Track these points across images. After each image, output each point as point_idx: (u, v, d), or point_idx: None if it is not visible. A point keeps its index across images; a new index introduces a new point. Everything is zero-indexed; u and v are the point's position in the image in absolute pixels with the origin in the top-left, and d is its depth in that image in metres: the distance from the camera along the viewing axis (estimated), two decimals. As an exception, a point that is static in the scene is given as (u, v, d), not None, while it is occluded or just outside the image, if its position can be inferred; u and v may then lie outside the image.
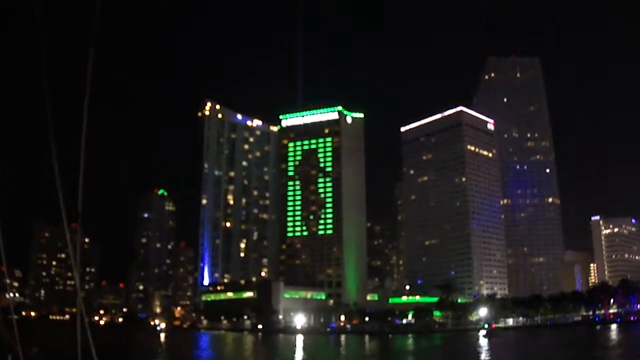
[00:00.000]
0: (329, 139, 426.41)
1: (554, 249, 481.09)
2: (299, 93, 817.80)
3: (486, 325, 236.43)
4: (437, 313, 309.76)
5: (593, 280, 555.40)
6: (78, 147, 8.63)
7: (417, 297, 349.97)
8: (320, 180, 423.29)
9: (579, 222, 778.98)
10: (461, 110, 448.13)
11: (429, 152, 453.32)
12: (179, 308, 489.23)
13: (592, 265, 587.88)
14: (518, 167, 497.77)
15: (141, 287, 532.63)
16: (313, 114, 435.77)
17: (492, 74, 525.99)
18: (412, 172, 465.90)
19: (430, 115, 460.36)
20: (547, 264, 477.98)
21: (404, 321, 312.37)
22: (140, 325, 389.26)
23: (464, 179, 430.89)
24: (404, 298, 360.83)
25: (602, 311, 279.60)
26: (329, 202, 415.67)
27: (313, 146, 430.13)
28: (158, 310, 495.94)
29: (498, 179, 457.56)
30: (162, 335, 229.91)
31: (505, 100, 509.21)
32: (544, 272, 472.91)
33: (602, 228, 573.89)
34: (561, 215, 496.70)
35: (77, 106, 9.19)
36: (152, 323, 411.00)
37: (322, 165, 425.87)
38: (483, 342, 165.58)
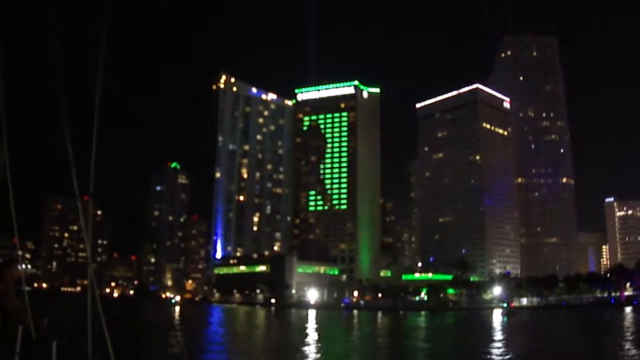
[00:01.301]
0: (344, 114, 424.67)
1: (567, 229, 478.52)
2: (314, 67, 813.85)
3: (505, 304, 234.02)
4: (450, 291, 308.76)
5: (605, 263, 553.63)
6: (91, 120, 8.63)
7: (430, 275, 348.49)
8: (336, 154, 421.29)
9: (593, 204, 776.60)
10: (477, 88, 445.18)
11: (444, 129, 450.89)
12: (190, 281, 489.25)
13: (604, 247, 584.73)
14: (533, 146, 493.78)
15: (153, 260, 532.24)
16: (329, 88, 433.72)
17: (509, 52, 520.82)
18: (426, 148, 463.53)
19: (446, 92, 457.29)
20: (560, 244, 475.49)
21: (417, 298, 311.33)
22: (151, 297, 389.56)
23: (478, 157, 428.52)
24: (417, 275, 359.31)
25: (618, 293, 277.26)
26: (343, 177, 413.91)
27: (329, 120, 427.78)
28: (169, 283, 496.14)
29: (513, 158, 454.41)
30: (177, 309, 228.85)
31: (521, 78, 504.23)
32: (556, 252, 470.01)
33: (616, 210, 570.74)
34: (575, 196, 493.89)
35: (89, 78, 8.53)
36: (163, 296, 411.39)
37: (337, 139, 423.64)
38: (501, 320, 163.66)
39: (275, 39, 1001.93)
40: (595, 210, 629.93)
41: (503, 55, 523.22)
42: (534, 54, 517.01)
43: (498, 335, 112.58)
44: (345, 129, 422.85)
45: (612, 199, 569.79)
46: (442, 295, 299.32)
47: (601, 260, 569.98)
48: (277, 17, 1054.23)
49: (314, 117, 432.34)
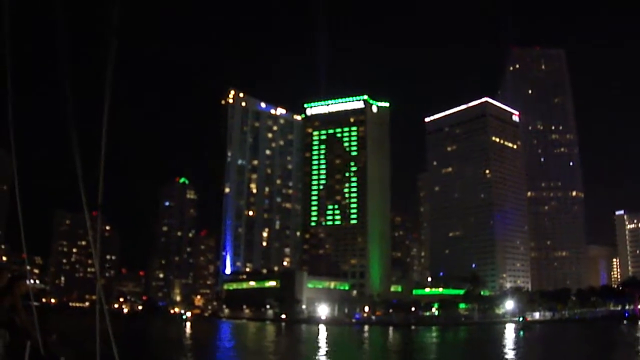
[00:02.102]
0: (354, 128, 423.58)
1: (577, 243, 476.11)
2: (323, 82, 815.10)
3: (520, 319, 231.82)
4: (462, 305, 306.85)
5: (616, 276, 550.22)
6: (99, 136, 8.78)
7: (441, 289, 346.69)
8: (345, 169, 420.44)
9: (603, 217, 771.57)
10: (486, 101, 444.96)
11: (453, 143, 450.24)
12: (199, 297, 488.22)
13: (614, 260, 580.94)
14: (542, 159, 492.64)
15: (161, 275, 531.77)
16: (338, 103, 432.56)
17: (517, 65, 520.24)
18: (435, 163, 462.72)
19: (455, 106, 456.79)
20: (570, 258, 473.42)
21: (427, 313, 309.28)
22: (160, 313, 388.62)
23: (488, 171, 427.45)
24: (427, 290, 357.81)
25: (631, 306, 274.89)
26: (353, 192, 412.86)
27: (338, 135, 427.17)
28: (178, 298, 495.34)
29: (522, 171, 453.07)
30: (188, 325, 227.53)
31: (529, 92, 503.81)
32: (566, 266, 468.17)
33: (627, 223, 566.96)
34: (585, 209, 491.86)
35: (98, 94, 8.81)
36: (172, 311, 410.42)
37: (347, 154, 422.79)
38: (516, 335, 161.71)
39: (284, 54, 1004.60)
40: (605, 223, 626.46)
41: (511, 68, 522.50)
42: (542, 67, 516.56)
43: (517, 351, 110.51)
44: (355, 143, 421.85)
45: (622, 212, 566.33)
46: (452, 310, 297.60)
47: (612, 273, 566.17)
48: (285, 32, 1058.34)
49: (323, 132, 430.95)
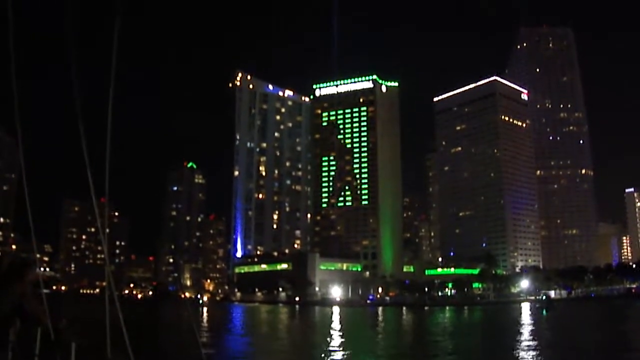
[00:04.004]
0: (363, 108, 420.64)
1: (587, 221, 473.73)
2: (331, 63, 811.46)
3: (543, 297, 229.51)
4: (476, 285, 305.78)
5: (626, 253, 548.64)
6: (107, 122, 9.01)
7: (453, 269, 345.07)
8: (356, 150, 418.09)
9: (613, 194, 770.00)
10: (495, 80, 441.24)
11: (462, 122, 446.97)
12: (209, 281, 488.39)
13: (624, 238, 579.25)
14: (551, 138, 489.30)
15: (171, 260, 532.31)
16: (347, 83, 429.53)
17: (525, 44, 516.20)
18: (444, 142, 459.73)
19: (464, 85, 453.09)
20: (580, 236, 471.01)
21: (440, 293, 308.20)
22: (171, 298, 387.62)
23: (497, 150, 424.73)
24: (439, 270, 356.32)
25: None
26: (364, 173, 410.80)
27: (347, 115, 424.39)
28: (188, 283, 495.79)
29: (532, 150, 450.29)
30: (205, 309, 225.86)
31: (537, 70, 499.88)
32: (576, 244, 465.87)
33: (637, 200, 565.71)
34: (595, 187, 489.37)
35: (105, 79, 9.00)
36: (182, 296, 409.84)
37: (356, 135, 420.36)
38: (539, 314, 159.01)
39: (292, 36, 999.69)
40: (616, 201, 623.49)
41: (519, 47, 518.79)
42: (551, 45, 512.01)
43: (555, 333, 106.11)
44: (364, 123, 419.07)
45: (632, 190, 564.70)
46: (467, 289, 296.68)
47: (622, 251, 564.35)
48: (293, 13, 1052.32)
49: (332, 113, 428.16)
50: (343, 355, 63.47)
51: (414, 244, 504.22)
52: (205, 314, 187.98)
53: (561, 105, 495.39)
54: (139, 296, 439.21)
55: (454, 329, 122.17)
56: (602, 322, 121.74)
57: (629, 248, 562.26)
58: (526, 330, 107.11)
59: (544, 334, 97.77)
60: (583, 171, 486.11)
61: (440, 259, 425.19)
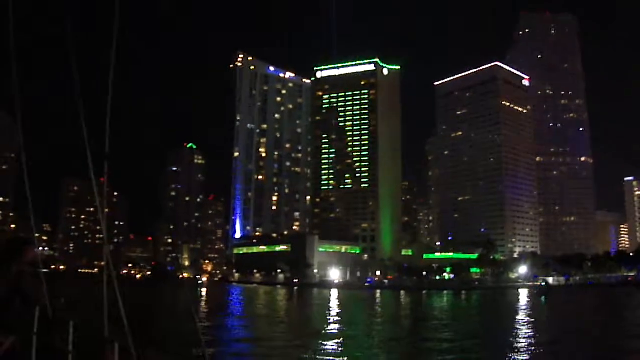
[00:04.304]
0: (364, 91, 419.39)
1: (585, 208, 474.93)
2: (333, 45, 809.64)
3: (543, 283, 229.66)
4: (474, 270, 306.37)
5: (624, 242, 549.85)
6: (106, 101, 9.08)
7: (451, 253, 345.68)
8: (356, 133, 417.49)
9: (612, 183, 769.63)
10: (496, 65, 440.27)
11: (463, 107, 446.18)
12: (207, 261, 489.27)
13: (622, 226, 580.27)
14: (551, 124, 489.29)
15: (170, 241, 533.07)
16: (348, 66, 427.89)
17: (527, 30, 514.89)
18: (445, 126, 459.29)
19: (465, 70, 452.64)
20: (579, 223, 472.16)
21: (438, 277, 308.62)
22: (169, 278, 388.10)
23: (498, 135, 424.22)
24: (438, 254, 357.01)
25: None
26: (365, 156, 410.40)
27: (348, 98, 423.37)
28: (187, 263, 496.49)
29: (532, 136, 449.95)
30: (204, 290, 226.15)
31: (539, 56, 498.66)
32: (575, 231, 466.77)
33: (635, 189, 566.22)
34: (594, 175, 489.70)
35: (105, 58, 9.09)
36: (181, 276, 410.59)
37: (357, 117, 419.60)
38: (537, 301, 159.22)
39: (293, 18, 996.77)
40: (615, 189, 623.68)
41: (521, 32, 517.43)
42: (552, 32, 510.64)
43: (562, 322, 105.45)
44: (365, 106, 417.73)
45: (631, 178, 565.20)
46: (465, 274, 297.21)
47: (619, 239, 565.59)
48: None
49: (333, 95, 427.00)
50: (340, 340, 63.48)
51: (413, 227, 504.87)
52: (204, 295, 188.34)
53: (562, 92, 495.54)
54: (138, 276, 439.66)
55: (453, 313, 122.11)
56: (603, 309, 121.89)
57: (627, 236, 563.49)
58: (527, 314, 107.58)
59: (546, 319, 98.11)
60: (582, 159, 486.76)
61: (438, 243, 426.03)
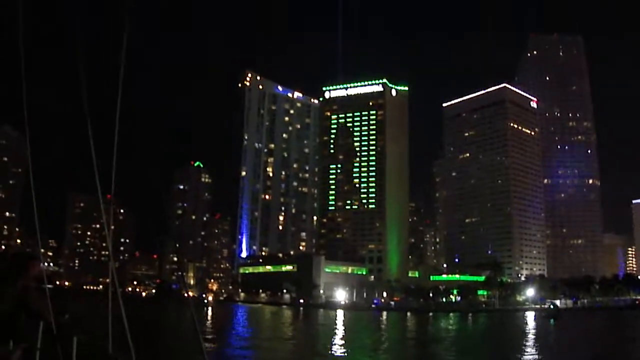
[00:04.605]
0: (372, 112, 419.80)
1: (593, 231, 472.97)
2: (341, 66, 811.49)
3: (551, 306, 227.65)
4: (481, 292, 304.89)
5: (631, 264, 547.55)
6: (114, 118, 9.04)
7: (458, 275, 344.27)
8: (364, 153, 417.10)
9: (620, 205, 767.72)
10: (505, 87, 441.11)
11: (471, 129, 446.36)
12: (212, 280, 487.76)
13: (629, 249, 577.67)
14: (559, 146, 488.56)
15: (175, 259, 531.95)
16: (357, 86, 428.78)
17: (535, 52, 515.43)
18: (453, 148, 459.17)
19: (473, 92, 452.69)
20: (586, 246, 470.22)
21: (444, 299, 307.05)
22: (174, 296, 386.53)
23: (505, 157, 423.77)
24: (445, 276, 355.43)
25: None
26: (372, 177, 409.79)
27: (357, 119, 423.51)
28: (192, 282, 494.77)
29: (539, 158, 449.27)
30: (209, 309, 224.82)
31: (547, 78, 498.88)
32: (582, 254, 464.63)
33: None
34: (601, 197, 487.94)
35: (112, 76, 9.00)
36: (185, 294, 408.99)
37: (365, 138, 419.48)
38: (545, 323, 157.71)
39: (302, 38, 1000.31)
40: (622, 211, 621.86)
41: (529, 54, 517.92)
42: (560, 53, 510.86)
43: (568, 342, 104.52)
44: (373, 127, 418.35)
45: (639, 201, 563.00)
46: (472, 296, 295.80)
47: (627, 262, 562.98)
48: (304, 15, 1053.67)
49: (341, 115, 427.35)
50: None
51: (419, 249, 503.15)
52: (210, 314, 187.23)
53: (569, 114, 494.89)
54: (144, 294, 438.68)
55: (464, 337, 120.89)
56: (612, 332, 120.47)
57: (634, 259, 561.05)
58: (537, 337, 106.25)
59: (556, 342, 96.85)
60: (590, 181, 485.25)
61: (445, 265, 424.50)
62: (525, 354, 73.90)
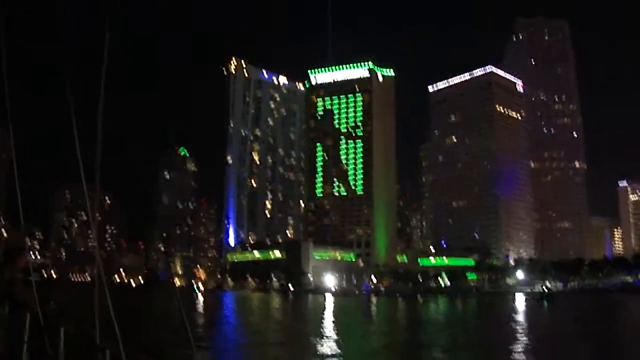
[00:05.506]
0: (359, 96, 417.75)
1: (579, 214, 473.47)
2: (327, 50, 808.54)
3: (545, 288, 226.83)
4: (471, 275, 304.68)
5: (618, 247, 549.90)
6: (98, 106, 9.12)
7: (446, 259, 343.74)
8: (350, 138, 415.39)
9: (606, 188, 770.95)
10: (491, 71, 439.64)
11: (457, 112, 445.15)
12: (200, 268, 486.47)
13: (615, 231, 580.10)
14: (545, 130, 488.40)
15: (162, 248, 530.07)
16: (343, 70, 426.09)
17: (520, 36, 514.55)
18: (439, 132, 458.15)
19: (460, 75, 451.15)
20: (573, 228, 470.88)
21: (433, 283, 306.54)
22: (161, 285, 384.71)
23: (492, 141, 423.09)
24: (433, 260, 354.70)
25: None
26: (359, 161, 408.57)
27: (343, 103, 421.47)
28: (179, 270, 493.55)
29: (526, 141, 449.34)
30: (201, 298, 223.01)
31: (532, 61, 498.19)
32: (569, 237, 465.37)
33: (630, 194, 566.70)
34: (588, 180, 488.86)
35: (97, 61, 9.12)
36: (173, 283, 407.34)
37: (352, 122, 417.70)
38: (539, 306, 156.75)
39: (287, 22, 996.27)
40: (608, 194, 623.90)
41: (514, 38, 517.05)
42: (546, 37, 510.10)
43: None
44: (360, 112, 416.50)
45: (625, 183, 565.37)
46: (461, 280, 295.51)
47: (613, 244, 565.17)
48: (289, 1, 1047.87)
49: (327, 100, 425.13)
50: (336, 349, 60.82)
51: (406, 233, 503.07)
52: (201, 302, 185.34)
53: (555, 98, 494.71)
54: (134, 284, 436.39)
55: (463, 319, 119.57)
56: (607, 314, 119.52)
57: (621, 241, 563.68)
58: (534, 321, 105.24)
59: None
60: (576, 164, 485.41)
61: (432, 249, 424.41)
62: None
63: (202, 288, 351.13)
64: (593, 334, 71.38)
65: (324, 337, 68.91)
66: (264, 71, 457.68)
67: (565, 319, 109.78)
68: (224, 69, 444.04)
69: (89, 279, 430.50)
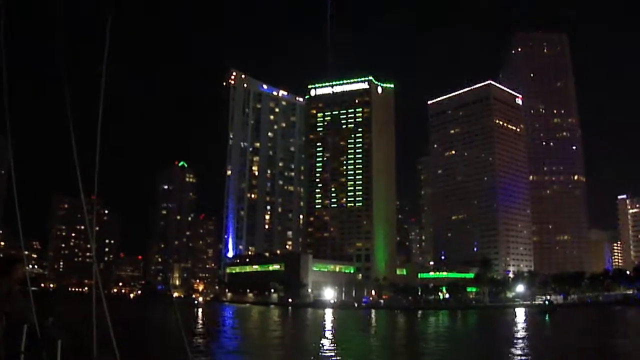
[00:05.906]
0: (359, 109, 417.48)
1: (578, 227, 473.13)
2: (327, 64, 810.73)
3: (547, 301, 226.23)
4: (470, 289, 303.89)
5: (617, 260, 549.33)
6: (97, 118, 9.19)
7: (445, 273, 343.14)
8: (350, 151, 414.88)
9: (605, 201, 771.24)
10: (490, 84, 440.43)
11: (456, 126, 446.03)
12: (198, 280, 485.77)
13: (615, 244, 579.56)
14: (544, 143, 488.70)
15: (160, 260, 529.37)
16: (342, 84, 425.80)
17: (519, 49, 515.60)
18: (438, 146, 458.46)
19: (458, 89, 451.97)
20: (572, 242, 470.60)
21: (433, 297, 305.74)
22: (160, 297, 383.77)
23: (491, 154, 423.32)
24: (432, 273, 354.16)
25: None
26: (358, 174, 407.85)
27: (342, 116, 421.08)
28: (177, 282, 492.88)
29: (525, 155, 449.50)
30: (200, 310, 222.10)
31: (532, 75, 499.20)
32: (568, 250, 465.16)
33: (629, 207, 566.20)
34: (587, 193, 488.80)
35: (95, 76, 9.18)
36: (170, 295, 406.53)
37: (351, 136, 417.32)
38: (541, 319, 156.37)
39: (287, 36, 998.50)
40: (608, 207, 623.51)
41: (514, 51, 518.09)
42: (545, 50, 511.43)
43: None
44: (359, 125, 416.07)
45: (624, 196, 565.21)
46: (461, 294, 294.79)
47: (613, 257, 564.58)
48: (288, 13, 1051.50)
49: (327, 113, 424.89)
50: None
51: (405, 247, 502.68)
52: (200, 315, 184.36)
53: (554, 111, 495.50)
54: (131, 295, 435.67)
55: (471, 334, 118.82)
56: (609, 327, 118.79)
57: (620, 255, 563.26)
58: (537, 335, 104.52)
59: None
60: (575, 177, 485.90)
61: (431, 263, 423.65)
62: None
63: (201, 300, 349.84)
64: (598, 348, 70.90)
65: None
66: (264, 84, 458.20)
67: (569, 332, 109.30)
68: (224, 81, 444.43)
69: (87, 290, 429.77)
